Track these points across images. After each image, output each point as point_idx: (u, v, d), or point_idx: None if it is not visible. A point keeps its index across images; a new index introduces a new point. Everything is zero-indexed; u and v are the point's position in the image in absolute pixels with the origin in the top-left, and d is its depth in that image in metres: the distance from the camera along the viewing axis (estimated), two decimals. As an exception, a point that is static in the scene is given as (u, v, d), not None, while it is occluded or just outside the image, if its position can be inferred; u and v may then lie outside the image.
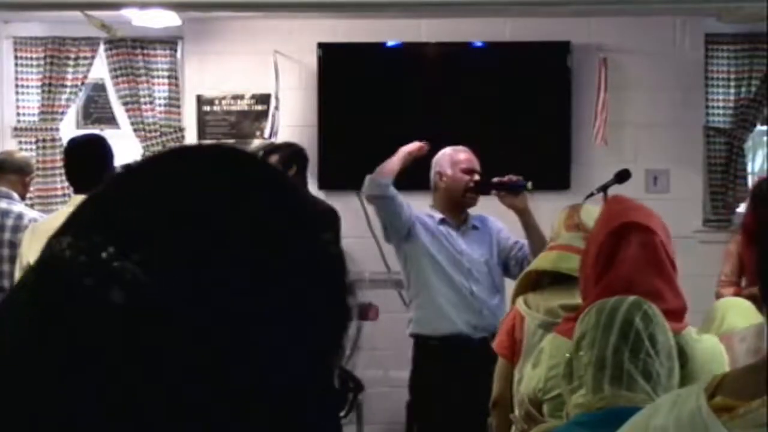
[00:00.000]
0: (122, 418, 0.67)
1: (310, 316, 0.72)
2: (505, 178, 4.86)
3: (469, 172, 4.97)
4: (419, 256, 4.90)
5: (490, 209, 5.11)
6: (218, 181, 0.74)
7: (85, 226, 0.72)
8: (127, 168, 0.77)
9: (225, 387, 0.68)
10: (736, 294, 5.24)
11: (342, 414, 0.79)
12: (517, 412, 3.14)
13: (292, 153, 6.09)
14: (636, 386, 2.08)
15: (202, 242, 0.70)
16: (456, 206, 4.97)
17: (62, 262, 0.70)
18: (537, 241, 4.55)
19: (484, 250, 4.92)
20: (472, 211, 5.05)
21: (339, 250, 0.77)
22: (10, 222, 5.09)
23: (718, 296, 5.29)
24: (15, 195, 5.24)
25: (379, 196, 4.89)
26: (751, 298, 4.83)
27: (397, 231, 4.92)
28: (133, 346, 0.67)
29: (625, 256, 2.64)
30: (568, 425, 2.07)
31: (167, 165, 0.77)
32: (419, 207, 5.09)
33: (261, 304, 0.70)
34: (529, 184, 4.84)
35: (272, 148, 6.07)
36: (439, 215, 4.95)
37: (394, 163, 4.98)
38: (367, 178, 4.94)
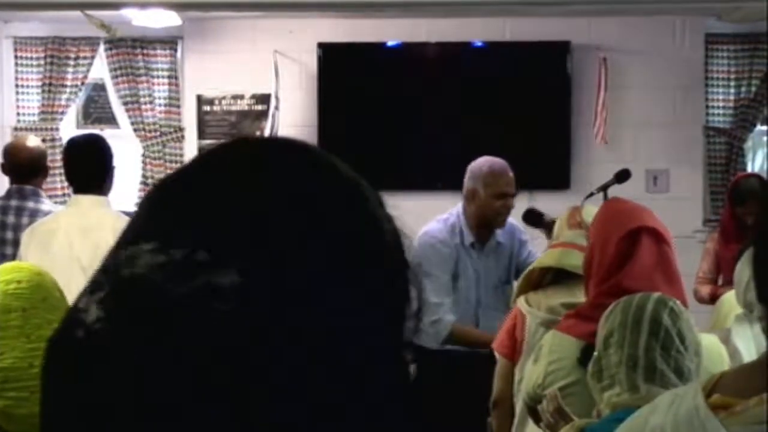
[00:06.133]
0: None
1: (384, 299, 0.73)
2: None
3: (502, 196, 4.72)
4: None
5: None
6: (288, 177, 0.74)
7: (165, 232, 0.71)
8: (191, 168, 0.76)
9: (334, 370, 0.69)
10: (713, 292, 5.30)
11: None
12: (518, 409, 3.15)
13: None
14: (669, 383, 2.10)
15: (284, 243, 0.70)
16: (485, 227, 4.78)
17: (157, 275, 0.68)
18: None
19: (501, 271, 4.82)
20: None
21: (394, 227, 0.78)
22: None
23: (696, 293, 5.32)
24: (42, 193, 5.07)
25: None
26: None
27: None
28: (243, 355, 0.67)
29: (638, 260, 2.65)
30: (607, 421, 2.06)
31: (232, 161, 0.75)
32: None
33: (343, 299, 0.71)
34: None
35: None
36: (469, 238, 4.76)
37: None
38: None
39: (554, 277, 3.42)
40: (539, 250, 4.55)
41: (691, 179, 6.79)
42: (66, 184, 5.74)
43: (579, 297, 2.97)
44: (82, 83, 6.93)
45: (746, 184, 5.36)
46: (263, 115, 6.87)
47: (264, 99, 6.87)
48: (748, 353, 2.73)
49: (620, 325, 2.20)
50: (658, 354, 2.15)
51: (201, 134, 6.95)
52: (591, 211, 3.57)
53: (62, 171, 5.31)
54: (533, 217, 4.65)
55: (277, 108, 6.77)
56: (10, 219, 4.87)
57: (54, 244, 4.19)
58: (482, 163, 4.75)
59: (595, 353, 2.26)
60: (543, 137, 6.65)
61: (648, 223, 2.71)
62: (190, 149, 6.88)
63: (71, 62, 6.85)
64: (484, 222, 4.78)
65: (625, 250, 2.68)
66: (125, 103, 6.92)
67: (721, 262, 5.41)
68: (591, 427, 2.18)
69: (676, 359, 2.15)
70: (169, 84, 6.95)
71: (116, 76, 6.90)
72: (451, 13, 6.52)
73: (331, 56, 6.78)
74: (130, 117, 6.93)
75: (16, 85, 6.93)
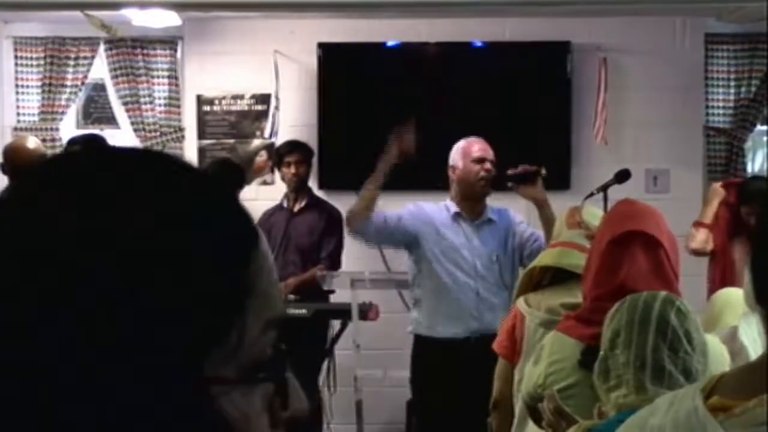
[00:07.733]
0: None
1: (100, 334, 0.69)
2: (519, 169, 4.85)
3: (480, 161, 4.98)
4: (426, 260, 4.91)
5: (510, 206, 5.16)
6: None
7: None
8: None
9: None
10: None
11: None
12: (517, 410, 3.15)
13: (294, 145, 6.16)
14: (677, 384, 2.09)
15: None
16: (470, 197, 4.97)
17: None
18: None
19: (497, 244, 4.92)
20: (492, 203, 5.05)
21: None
22: None
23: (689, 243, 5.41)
24: None
25: (363, 239, 5.05)
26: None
27: (399, 245, 5.04)
28: None
29: (630, 265, 2.64)
30: (612, 422, 2.06)
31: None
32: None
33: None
34: (543, 171, 4.85)
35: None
36: (454, 208, 4.97)
37: (371, 195, 4.94)
38: (347, 218, 5.02)
39: (554, 277, 3.42)
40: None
41: (691, 179, 6.79)
42: (66, 184, 5.73)
43: (579, 297, 2.97)
44: (82, 83, 6.93)
45: (756, 185, 5.42)
46: (263, 115, 6.87)
47: (264, 99, 6.87)
48: (755, 351, 2.73)
49: (627, 325, 2.18)
50: (665, 355, 2.13)
51: (201, 134, 6.96)
52: (591, 211, 3.58)
53: (62, 171, 5.32)
54: (496, 180, 4.92)
55: (277, 108, 6.78)
56: None
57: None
58: (457, 143, 5.12)
59: (601, 353, 2.24)
60: (543, 137, 6.64)
61: (639, 228, 2.69)
62: (190, 149, 6.88)
63: (71, 62, 6.85)
64: (467, 192, 4.94)
65: (614, 254, 2.67)
66: (125, 103, 6.92)
67: (717, 252, 5.47)
68: (597, 428, 2.18)
69: (684, 360, 2.14)
70: (169, 84, 6.96)
71: (116, 76, 6.90)
72: (451, 13, 6.52)
73: (331, 56, 6.78)
74: (130, 117, 6.93)
75: (16, 85, 6.93)
